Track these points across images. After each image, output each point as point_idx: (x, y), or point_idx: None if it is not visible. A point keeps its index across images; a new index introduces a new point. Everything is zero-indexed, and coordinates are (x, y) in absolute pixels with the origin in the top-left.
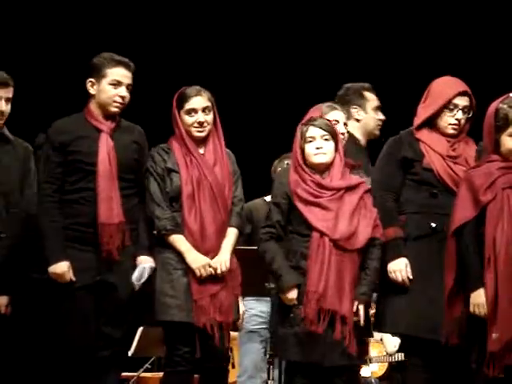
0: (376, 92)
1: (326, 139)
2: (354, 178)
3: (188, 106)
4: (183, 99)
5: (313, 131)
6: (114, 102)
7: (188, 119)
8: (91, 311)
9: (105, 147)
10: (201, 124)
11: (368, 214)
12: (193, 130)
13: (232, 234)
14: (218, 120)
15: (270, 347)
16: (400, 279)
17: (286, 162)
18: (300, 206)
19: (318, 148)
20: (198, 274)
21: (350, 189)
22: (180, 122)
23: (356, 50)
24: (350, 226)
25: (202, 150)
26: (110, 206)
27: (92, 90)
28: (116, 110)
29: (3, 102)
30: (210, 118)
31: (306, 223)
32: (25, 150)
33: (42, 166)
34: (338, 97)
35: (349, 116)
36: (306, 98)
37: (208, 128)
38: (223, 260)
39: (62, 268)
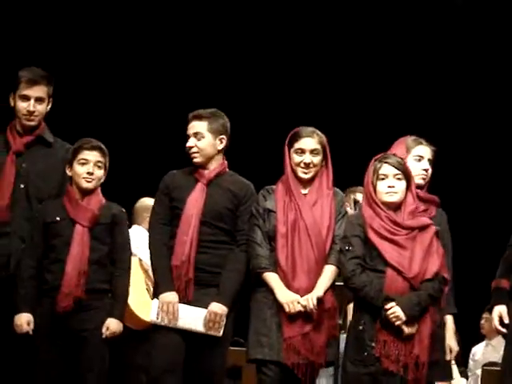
0: None
1: (398, 178)
2: (424, 219)
3: (298, 145)
4: (295, 138)
5: (386, 169)
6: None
7: (296, 158)
8: None
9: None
10: (307, 165)
11: (436, 253)
12: (298, 169)
13: (328, 271)
14: (329, 162)
15: None
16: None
17: (352, 197)
18: (376, 240)
19: (389, 187)
20: (286, 309)
21: (422, 228)
22: (288, 160)
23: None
24: (422, 265)
25: (306, 190)
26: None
27: None
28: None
29: (32, 101)
30: (317, 159)
31: (381, 259)
32: (66, 152)
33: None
34: None
35: None
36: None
37: (314, 170)
38: (311, 296)
39: (171, 297)
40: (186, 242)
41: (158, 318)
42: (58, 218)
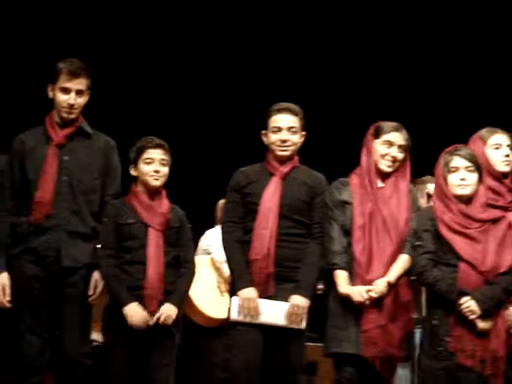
0: None
1: (469, 170)
2: (497, 211)
3: (387, 137)
4: (383, 131)
5: (457, 162)
6: (277, 146)
7: (382, 150)
8: None
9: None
10: (393, 159)
11: (511, 246)
12: (383, 162)
13: (401, 260)
14: (408, 159)
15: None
16: None
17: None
18: (447, 234)
19: (461, 179)
20: (354, 298)
21: (495, 221)
22: (372, 151)
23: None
24: (496, 258)
25: (382, 183)
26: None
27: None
28: (281, 153)
29: (73, 94)
30: (401, 155)
31: (454, 253)
32: (105, 143)
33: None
34: None
35: None
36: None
37: (397, 165)
38: (380, 282)
39: (251, 293)
40: (265, 236)
41: (239, 316)
42: (130, 221)
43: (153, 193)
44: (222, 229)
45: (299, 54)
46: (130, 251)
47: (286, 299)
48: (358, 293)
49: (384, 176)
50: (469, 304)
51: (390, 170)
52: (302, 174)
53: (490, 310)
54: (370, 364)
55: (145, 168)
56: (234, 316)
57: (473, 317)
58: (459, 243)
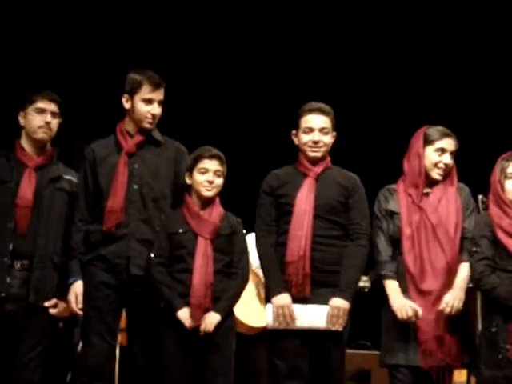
0: None
1: None
2: None
3: (440, 144)
4: (436, 137)
5: None
6: (309, 147)
7: (434, 157)
8: None
9: None
10: (446, 166)
11: None
12: (435, 170)
13: (464, 269)
14: (454, 163)
15: None
16: None
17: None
18: (505, 240)
19: None
20: (399, 315)
21: None
22: (423, 158)
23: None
24: None
25: (429, 189)
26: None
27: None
28: (314, 154)
29: (156, 104)
30: (452, 162)
31: None
32: (176, 150)
33: None
34: None
35: None
36: None
37: (447, 171)
38: (450, 298)
39: (285, 299)
40: (301, 237)
41: (274, 323)
42: (180, 230)
43: (205, 202)
44: (256, 233)
45: (330, 54)
46: (180, 260)
47: (322, 304)
48: (404, 311)
49: (432, 182)
50: None
51: (441, 178)
52: (335, 174)
53: None
54: (425, 374)
55: (199, 178)
56: (270, 324)
57: None
58: None
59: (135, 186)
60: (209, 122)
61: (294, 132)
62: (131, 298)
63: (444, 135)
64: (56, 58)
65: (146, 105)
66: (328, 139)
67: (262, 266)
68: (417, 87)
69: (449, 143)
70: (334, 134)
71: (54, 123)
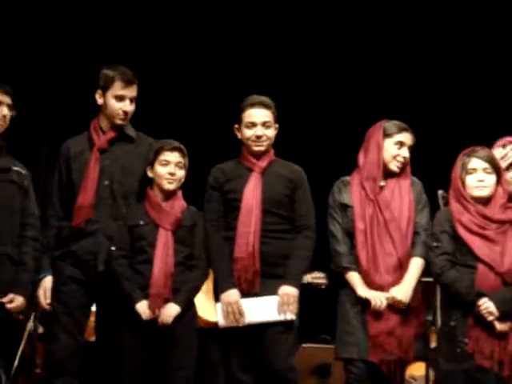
0: None
1: (487, 172)
2: None
3: (399, 138)
4: (394, 131)
5: (475, 163)
6: (253, 141)
7: (393, 150)
8: None
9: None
10: (404, 159)
11: None
12: (393, 162)
13: (415, 264)
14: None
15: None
16: None
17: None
18: (465, 235)
19: (479, 181)
20: (373, 303)
21: None
22: (383, 149)
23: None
24: None
25: (384, 182)
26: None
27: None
28: (257, 149)
29: (128, 101)
30: (408, 155)
31: (471, 254)
32: (149, 147)
33: None
34: None
35: None
36: None
37: (403, 165)
38: (400, 291)
39: (232, 296)
40: (249, 233)
41: (225, 321)
42: (141, 222)
43: (167, 195)
44: (206, 229)
45: (275, 46)
46: (141, 252)
47: (269, 294)
48: (378, 299)
49: (387, 175)
50: (487, 305)
51: (398, 170)
52: (280, 167)
53: (509, 312)
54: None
55: (160, 170)
56: (221, 322)
57: (491, 318)
58: (477, 244)
59: (106, 183)
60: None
61: (236, 126)
62: (101, 294)
63: (402, 129)
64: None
65: (118, 101)
66: (271, 133)
67: (211, 262)
68: (370, 80)
69: (407, 137)
70: (277, 126)
71: (8, 116)
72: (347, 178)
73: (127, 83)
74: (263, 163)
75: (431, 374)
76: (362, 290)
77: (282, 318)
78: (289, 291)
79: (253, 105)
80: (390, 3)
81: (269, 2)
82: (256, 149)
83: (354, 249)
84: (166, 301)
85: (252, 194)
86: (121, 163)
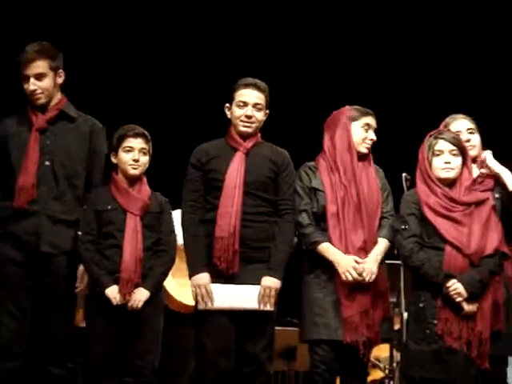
0: None
1: (454, 154)
2: (481, 194)
3: (366, 120)
4: (362, 113)
5: (441, 145)
6: (241, 121)
7: (363, 134)
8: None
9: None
10: (371, 141)
11: (495, 227)
12: (363, 145)
13: (382, 243)
14: None
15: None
16: None
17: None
18: (432, 217)
19: (446, 163)
20: (344, 278)
21: (479, 204)
22: (352, 134)
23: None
24: (481, 241)
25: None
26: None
27: (228, 114)
28: (244, 129)
29: (32, 79)
30: (375, 138)
31: (439, 236)
32: (91, 126)
33: None
34: None
35: None
36: None
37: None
38: (368, 268)
39: (202, 279)
40: (231, 214)
41: (199, 304)
42: (109, 207)
43: (132, 180)
44: (182, 209)
45: (256, 32)
46: (109, 237)
47: (252, 280)
48: (349, 272)
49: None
50: (456, 287)
51: (366, 151)
52: (265, 149)
53: (476, 293)
54: (346, 349)
55: (124, 156)
56: (199, 305)
57: (459, 299)
58: (444, 226)
59: (47, 163)
60: (134, 98)
61: (227, 105)
62: (44, 277)
63: (367, 113)
64: None
65: (25, 82)
66: (261, 116)
67: (185, 243)
68: (340, 68)
69: (373, 120)
70: (267, 111)
71: None
72: (313, 163)
73: (27, 62)
74: (249, 144)
75: (396, 354)
76: (339, 260)
77: (261, 307)
78: (271, 284)
79: (247, 85)
80: None
81: None
82: (243, 129)
83: (326, 231)
84: (136, 286)
85: (235, 173)
86: (62, 143)
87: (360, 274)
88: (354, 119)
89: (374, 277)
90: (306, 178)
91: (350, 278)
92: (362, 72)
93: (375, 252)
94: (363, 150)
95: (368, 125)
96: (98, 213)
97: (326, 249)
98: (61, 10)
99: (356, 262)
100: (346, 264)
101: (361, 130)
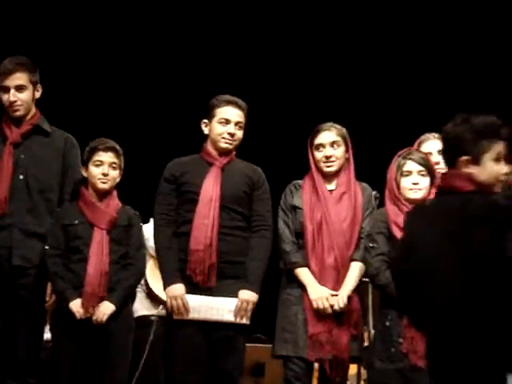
0: None
1: (422, 175)
2: None
3: (317, 140)
4: (314, 135)
5: (410, 166)
6: (223, 138)
7: (317, 154)
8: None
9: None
10: (328, 158)
11: None
12: (321, 165)
13: (355, 268)
14: (351, 154)
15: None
16: None
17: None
18: (400, 236)
19: (414, 183)
20: (314, 305)
21: None
22: (311, 158)
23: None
24: None
25: (332, 185)
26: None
27: (206, 130)
28: (226, 146)
29: (12, 91)
30: (338, 152)
31: None
32: (65, 141)
33: None
34: None
35: None
36: None
37: (337, 163)
38: (341, 297)
39: (177, 290)
40: (207, 226)
41: (175, 314)
42: (76, 222)
43: (101, 194)
44: (155, 222)
45: (228, 48)
46: (76, 251)
47: (227, 293)
48: (321, 301)
49: (332, 177)
50: None
51: (331, 169)
52: (240, 165)
53: None
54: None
55: (94, 170)
56: (174, 315)
57: None
58: None
59: (21, 177)
60: (108, 113)
61: (205, 121)
62: (15, 290)
63: (320, 130)
64: None
65: (3, 93)
66: (241, 134)
67: (158, 256)
68: (314, 84)
69: (326, 136)
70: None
71: None
72: (299, 182)
73: (7, 73)
74: (224, 160)
75: (363, 372)
76: (312, 289)
77: (238, 321)
78: (249, 297)
79: (230, 102)
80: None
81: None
82: (224, 146)
83: (303, 249)
84: (101, 299)
85: (211, 186)
86: (36, 157)
87: (331, 306)
88: (311, 143)
89: (343, 306)
90: (289, 194)
91: (321, 307)
92: (339, 89)
93: (349, 281)
94: (325, 169)
95: (321, 144)
96: (65, 227)
97: (303, 274)
98: (32, 25)
99: (331, 295)
100: (320, 295)
101: (315, 152)
